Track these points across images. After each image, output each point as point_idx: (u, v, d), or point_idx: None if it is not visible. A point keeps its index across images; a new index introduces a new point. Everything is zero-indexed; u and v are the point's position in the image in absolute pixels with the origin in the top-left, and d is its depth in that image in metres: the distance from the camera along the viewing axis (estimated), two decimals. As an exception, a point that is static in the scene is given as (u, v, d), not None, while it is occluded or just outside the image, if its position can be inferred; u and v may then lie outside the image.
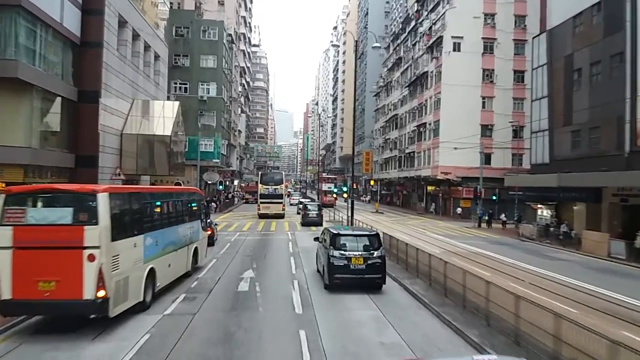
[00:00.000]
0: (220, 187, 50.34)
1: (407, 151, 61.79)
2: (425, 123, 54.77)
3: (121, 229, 10.66)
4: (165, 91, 37.31)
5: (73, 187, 11.06)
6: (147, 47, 32.13)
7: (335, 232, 14.58)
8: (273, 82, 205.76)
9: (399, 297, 13.50)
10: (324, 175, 75.96)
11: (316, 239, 17.53)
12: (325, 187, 64.25)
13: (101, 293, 9.74)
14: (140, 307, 11.55)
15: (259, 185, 43.85)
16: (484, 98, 50.61)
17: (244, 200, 70.47)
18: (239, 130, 68.94)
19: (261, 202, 42.16)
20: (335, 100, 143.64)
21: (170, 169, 29.19)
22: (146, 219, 12.15)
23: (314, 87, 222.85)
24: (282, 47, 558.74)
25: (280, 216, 42.08)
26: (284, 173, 56.54)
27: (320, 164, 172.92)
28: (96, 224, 9.85)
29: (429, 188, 56.24)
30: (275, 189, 42.75)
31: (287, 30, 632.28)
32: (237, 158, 67.87)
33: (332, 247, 13.90)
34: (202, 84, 48.43)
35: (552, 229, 30.37)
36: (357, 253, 13.70)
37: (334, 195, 41.76)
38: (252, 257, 19.87)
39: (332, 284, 13.73)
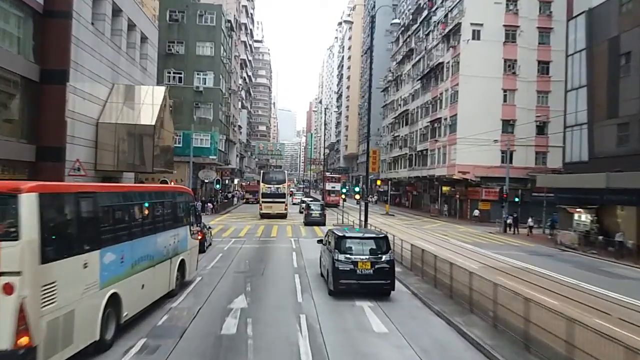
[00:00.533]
0: (217, 186, 46.36)
1: (418, 149, 57.63)
2: (440, 118, 50.60)
3: (61, 244, 7.69)
4: (154, 78, 33.25)
5: None
6: (131, 26, 28.07)
7: (340, 234, 13.56)
8: (276, 81, 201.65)
9: (457, 350, 9.25)
10: (328, 174, 73.50)
11: (319, 241, 16.38)
12: (329, 186, 63.12)
13: (23, 340, 6.74)
14: (97, 349, 8.46)
15: (261, 184, 42.17)
16: (505, 91, 46.44)
17: (244, 200, 66.56)
18: (239, 126, 64.90)
19: (263, 202, 40.64)
20: (339, 97, 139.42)
21: (155, 164, 25.15)
22: (105, 227, 9.08)
23: (318, 85, 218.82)
24: (285, 46, 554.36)
25: (283, 216, 40.58)
26: (286, 172, 54.99)
27: (323, 163, 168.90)
28: (16, 238, 6.89)
29: (444, 189, 52.05)
30: (277, 188, 41.36)
31: (290, 30, 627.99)
32: (237, 155, 63.85)
33: (337, 250, 12.94)
34: (198, 74, 44.38)
35: (600, 237, 26.17)
36: (364, 257, 12.79)
37: (343, 196, 37.88)
38: (247, 275, 15.76)
39: (336, 289, 12.79)
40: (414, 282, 14.39)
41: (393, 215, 49.05)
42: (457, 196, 46.93)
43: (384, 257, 12.80)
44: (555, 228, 32.43)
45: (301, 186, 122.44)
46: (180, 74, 44.16)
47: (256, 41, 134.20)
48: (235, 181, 78.21)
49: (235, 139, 58.61)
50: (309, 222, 35.44)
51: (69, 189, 8.82)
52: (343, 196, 37.89)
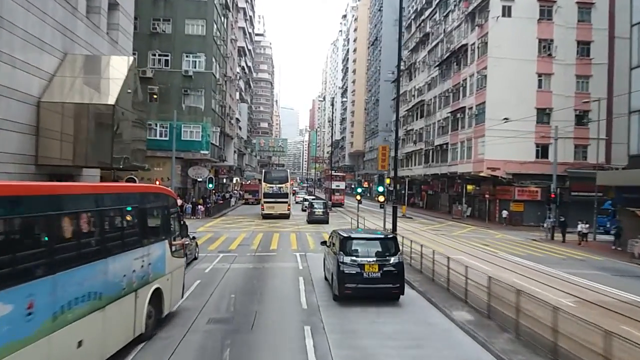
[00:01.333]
0: (210, 185, 40.59)
1: (436, 143, 51.69)
2: (463, 108, 44.64)
3: None
4: (129, 55, 27.42)
5: None
6: (94, -15, 22.27)
7: (345, 235, 12.72)
8: (278, 79, 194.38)
9: None
10: (333, 173, 69.95)
11: (323, 242, 15.24)
12: (334, 185, 60.24)
13: None
14: None
15: (263, 183, 40.78)
16: (540, 75, 40.47)
17: (243, 201, 60.85)
18: (237, 119, 59.05)
19: (265, 202, 39.19)
20: (344, 92, 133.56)
21: (120, 158, 19.35)
22: None
23: (321, 81, 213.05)
24: (287, 45, 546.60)
25: (286, 216, 39.22)
26: (288, 171, 52.07)
27: (327, 161, 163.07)
28: None
29: (469, 188, 46.11)
30: (280, 187, 39.88)
31: (292, 29, 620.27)
32: (235, 152, 58.01)
33: (342, 252, 12.10)
34: (187, 56, 38.52)
35: None
36: (371, 259, 11.98)
37: (359, 197, 31.56)
38: (227, 329, 9.79)
39: (342, 294, 11.88)
40: (509, 347, 8.46)
41: (411, 218, 43.13)
42: (487, 196, 40.92)
43: (392, 260, 12.08)
44: (620, 236, 26.43)
45: (305, 185, 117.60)
46: (167, 56, 38.35)
47: (257, 34, 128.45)
48: (235, 180, 72.61)
49: (232, 133, 52.77)
50: (312, 221, 34.86)
51: None
52: (359, 197, 31.39)
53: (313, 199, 43.86)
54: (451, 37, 48.98)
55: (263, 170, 49.95)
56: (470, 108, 43.09)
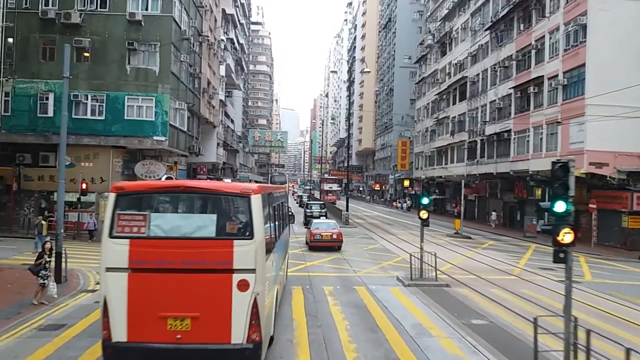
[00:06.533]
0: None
1: (488, 132, 38.30)
2: (539, 78, 31.22)
3: (269, 240, 7.96)
4: None
5: (220, 187, 7.46)
6: None
7: (307, 201, 43.20)
8: (278, 77, 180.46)
9: None
10: (326, 176, 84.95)
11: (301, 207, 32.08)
12: (327, 187, 72.86)
13: (255, 336, 6.61)
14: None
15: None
16: (665, 24, 27.19)
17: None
18: (222, 102, 45.61)
19: None
20: (351, 85, 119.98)
21: None
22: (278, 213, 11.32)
23: (324, 77, 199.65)
24: (286, 48, 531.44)
25: None
26: (286, 174, 63.98)
27: (331, 161, 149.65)
28: (251, 237, 6.75)
29: (538, 192, 32.75)
30: None
31: (290, 31, 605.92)
32: (220, 145, 44.62)
33: (306, 207, 36.44)
34: (134, -8, 25.29)
35: None
36: (315, 209, 35.32)
37: (426, 213, 15.78)
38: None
39: (306, 220, 32.31)
40: None
41: (470, 238, 29.68)
42: (591, 206, 27.29)
43: (322, 211, 34.65)
44: None
45: (308, 187, 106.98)
46: (104, -7, 25.10)
47: (255, 23, 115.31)
48: (228, 182, 59.04)
49: (214, 120, 39.35)
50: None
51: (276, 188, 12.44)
52: (425, 213, 14.89)
53: (316, 211, 35.46)
54: (512, -15, 35.63)
55: (270, 176, 59.16)
56: (554, 77, 29.63)
